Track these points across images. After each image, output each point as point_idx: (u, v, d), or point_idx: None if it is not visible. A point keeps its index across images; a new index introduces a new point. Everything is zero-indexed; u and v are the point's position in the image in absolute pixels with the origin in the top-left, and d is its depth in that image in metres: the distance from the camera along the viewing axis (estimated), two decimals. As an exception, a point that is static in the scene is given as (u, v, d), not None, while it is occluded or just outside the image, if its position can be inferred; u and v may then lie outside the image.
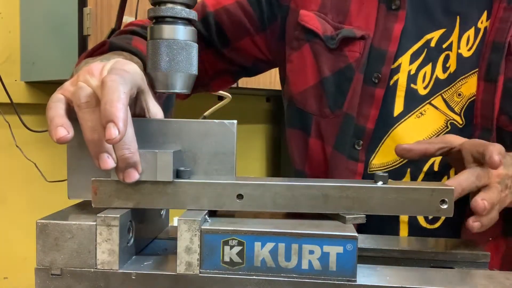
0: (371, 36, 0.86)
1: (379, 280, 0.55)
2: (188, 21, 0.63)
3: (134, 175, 0.56)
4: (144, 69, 0.72)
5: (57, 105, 0.57)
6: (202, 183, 0.58)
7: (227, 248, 0.54)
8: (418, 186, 0.58)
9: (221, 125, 0.62)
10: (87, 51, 0.85)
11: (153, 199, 0.58)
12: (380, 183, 0.59)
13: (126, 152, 0.54)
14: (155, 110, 0.65)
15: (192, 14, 0.63)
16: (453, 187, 0.59)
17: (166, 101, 0.88)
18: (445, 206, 0.58)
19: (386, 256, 0.66)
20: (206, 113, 1.76)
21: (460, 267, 0.64)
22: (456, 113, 0.84)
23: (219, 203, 0.58)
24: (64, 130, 0.55)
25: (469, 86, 0.83)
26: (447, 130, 0.84)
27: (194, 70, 0.64)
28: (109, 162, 0.55)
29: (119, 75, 0.55)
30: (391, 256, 0.66)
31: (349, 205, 0.58)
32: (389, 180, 0.60)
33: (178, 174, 0.59)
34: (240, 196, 0.58)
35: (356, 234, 0.53)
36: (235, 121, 0.62)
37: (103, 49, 0.81)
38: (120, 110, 0.52)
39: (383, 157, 0.86)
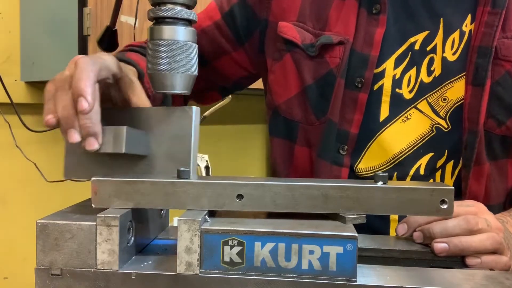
0: (351, 41, 0.85)
1: (379, 280, 0.55)
2: (188, 22, 0.63)
3: (93, 143, 0.60)
4: (139, 77, 0.76)
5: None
6: (202, 183, 0.58)
7: (227, 248, 0.54)
8: (418, 186, 0.58)
9: (181, 111, 0.66)
10: None
11: (153, 199, 0.58)
12: (380, 183, 0.59)
13: (88, 122, 0.59)
14: (138, 102, 0.68)
15: (192, 15, 0.63)
16: (453, 188, 0.59)
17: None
18: (445, 206, 0.58)
19: (386, 256, 0.66)
20: (206, 113, 1.76)
21: (460, 267, 0.64)
22: (441, 117, 0.84)
23: (219, 203, 0.58)
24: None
25: (455, 90, 0.83)
26: (432, 134, 0.84)
27: (194, 70, 0.64)
28: (75, 136, 0.60)
29: (90, 58, 0.61)
30: (391, 256, 0.66)
31: (349, 205, 0.58)
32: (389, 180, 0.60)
33: (178, 174, 0.59)
34: (240, 196, 0.58)
35: (356, 234, 0.53)
36: (195, 107, 0.66)
37: None
38: (88, 86, 0.59)
39: (369, 161, 0.86)
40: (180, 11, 0.62)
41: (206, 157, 1.57)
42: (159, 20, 0.63)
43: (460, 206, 0.69)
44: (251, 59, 1.01)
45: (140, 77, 0.78)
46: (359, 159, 0.87)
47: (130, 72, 0.73)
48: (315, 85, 0.89)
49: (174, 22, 0.62)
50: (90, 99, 0.58)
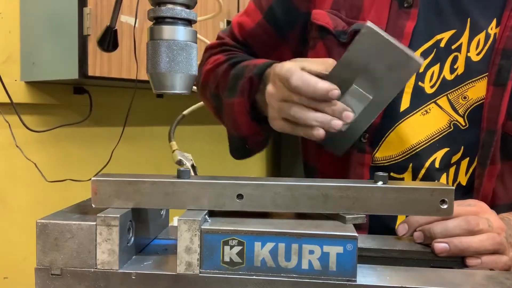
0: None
1: (379, 280, 0.55)
2: (188, 22, 0.63)
3: (349, 115, 0.74)
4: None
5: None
6: (202, 183, 0.58)
7: (227, 248, 0.54)
8: (418, 186, 0.58)
9: (363, 36, 0.74)
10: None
11: (153, 199, 0.58)
12: (380, 183, 0.59)
13: (334, 107, 0.74)
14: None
15: (192, 15, 0.63)
16: (453, 188, 0.59)
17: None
18: (445, 206, 0.58)
19: (386, 256, 0.66)
20: (185, 112, 1.73)
21: (460, 267, 0.64)
22: (459, 115, 0.85)
23: (219, 203, 0.58)
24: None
25: (476, 90, 0.84)
26: (450, 130, 0.85)
27: (194, 70, 0.64)
28: (321, 131, 0.74)
29: (297, 67, 0.75)
30: (391, 256, 0.66)
31: (349, 205, 0.58)
32: (389, 180, 0.60)
33: (178, 174, 0.59)
34: (240, 196, 0.58)
35: (356, 234, 0.53)
36: (368, 25, 0.73)
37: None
38: (324, 84, 0.72)
39: (386, 150, 0.88)
40: (180, 11, 0.62)
41: (190, 156, 1.56)
42: (159, 20, 0.63)
43: (461, 206, 0.69)
44: (294, 52, 1.02)
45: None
46: (377, 148, 0.88)
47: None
48: None
49: (174, 22, 0.62)
50: (336, 90, 0.72)
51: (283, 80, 0.75)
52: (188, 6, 0.63)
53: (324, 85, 0.72)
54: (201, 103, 1.68)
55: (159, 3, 0.62)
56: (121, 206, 0.58)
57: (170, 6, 0.62)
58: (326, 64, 0.78)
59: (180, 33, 0.62)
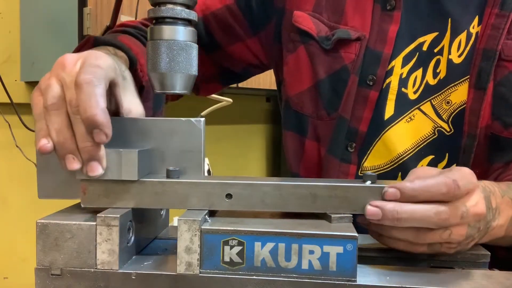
0: (367, 37, 0.84)
1: (379, 280, 0.55)
2: (188, 22, 0.63)
3: (96, 169, 0.55)
4: (131, 66, 0.74)
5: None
6: (192, 182, 0.58)
7: (227, 248, 0.54)
8: None
9: (187, 123, 0.63)
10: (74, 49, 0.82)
11: (143, 198, 0.58)
12: (368, 183, 0.59)
13: (89, 144, 0.54)
14: (130, 106, 0.65)
15: (192, 15, 0.63)
16: None
17: (156, 101, 0.86)
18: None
19: (386, 256, 0.66)
20: (203, 113, 1.74)
21: (460, 267, 0.64)
22: (443, 121, 0.83)
23: (208, 203, 0.58)
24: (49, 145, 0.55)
25: (459, 94, 0.82)
26: (434, 136, 0.83)
27: (194, 70, 0.65)
28: (74, 163, 0.55)
29: (92, 75, 0.55)
30: (391, 256, 0.66)
31: (337, 204, 0.58)
32: (378, 180, 0.60)
33: (168, 174, 0.59)
34: (229, 196, 0.58)
35: (356, 234, 0.53)
36: (202, 119, 0.63)
37: (87, 46, 0.78)
38: (102, 114, 0.53)
39: (374, 160, 0.86)
40: (180, 11, 0.62)
41: (207, 160, 1.55)
42: (159, 20, 0.63)
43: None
44: (265, 49, 0.99)
45: (132, 64, 0.75)
46: (365, 157, 0.86)
47: (123, 64, 0.69)
48: (328, 80, 0.87)
49: (174, 22, 0.62)
50: (107, 132, 0.54)
51: (84, 65, 0.57)
52: (188, 6, 0.63)
53: (101, 118, 0.53)
54: (218, 104, 1.68)
55: (159, 3, 0.62)
56: (110, 206, 0.58)
57: (170, 6, 0.62)
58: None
59: (180, 33, 0.62)
